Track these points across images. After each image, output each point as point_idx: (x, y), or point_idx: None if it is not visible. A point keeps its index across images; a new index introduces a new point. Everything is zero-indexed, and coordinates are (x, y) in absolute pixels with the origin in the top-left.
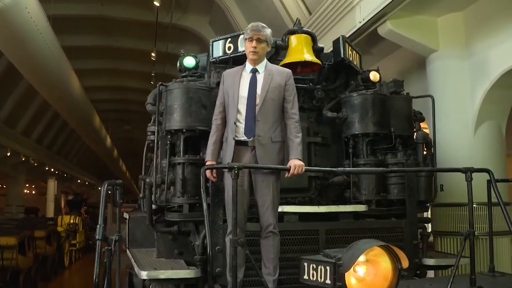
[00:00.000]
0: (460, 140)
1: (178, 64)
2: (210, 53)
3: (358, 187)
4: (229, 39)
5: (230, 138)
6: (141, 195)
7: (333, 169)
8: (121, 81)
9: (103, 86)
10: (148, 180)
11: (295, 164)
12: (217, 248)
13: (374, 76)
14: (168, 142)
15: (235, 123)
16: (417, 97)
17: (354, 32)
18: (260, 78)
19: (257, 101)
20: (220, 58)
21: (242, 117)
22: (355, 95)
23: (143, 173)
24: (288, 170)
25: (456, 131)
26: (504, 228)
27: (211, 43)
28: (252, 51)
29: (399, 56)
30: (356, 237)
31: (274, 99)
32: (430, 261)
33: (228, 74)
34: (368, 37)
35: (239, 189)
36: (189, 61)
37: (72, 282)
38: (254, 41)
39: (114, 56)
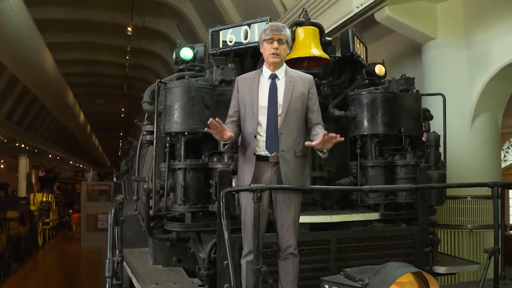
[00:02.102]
0: (456, 132)
1: (174, 56)
2: (209, 44)
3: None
4: (231, 30)
5: (250, 153)
6: (134, 198)
7: (360, 187)
8: (95, 55)
9: (76, 60)
10: (146, 186)
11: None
12: (224, 263)
13: (379, 69)
14: (168, 145)
15: (255, 137)
16: (426, 95)
17: (350, 17)
18: (280, 85)
19: (279, 111)
20: (220, 50)
21: (262, 130)
22: (364, 93)
23: (137, 174)
24: None
25: (453, 123)
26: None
27: (210, 34)
28: (273, 53)
29: (391, 40)
30: (368, 245)
31: (297, 109)
32: (440, 269)
33: (243, 80)
34: (361, 21)
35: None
36: (186, 53)
37: (46, 261)
38: (275, 42)
39: (88, 29)
